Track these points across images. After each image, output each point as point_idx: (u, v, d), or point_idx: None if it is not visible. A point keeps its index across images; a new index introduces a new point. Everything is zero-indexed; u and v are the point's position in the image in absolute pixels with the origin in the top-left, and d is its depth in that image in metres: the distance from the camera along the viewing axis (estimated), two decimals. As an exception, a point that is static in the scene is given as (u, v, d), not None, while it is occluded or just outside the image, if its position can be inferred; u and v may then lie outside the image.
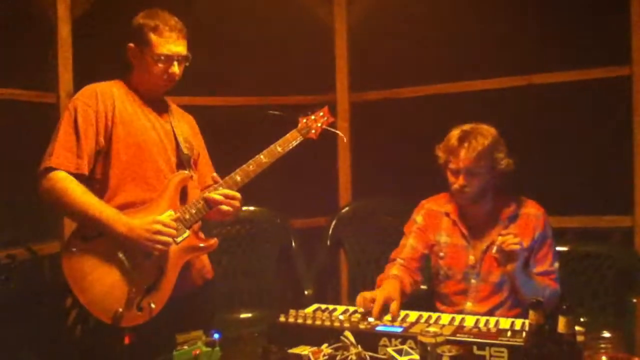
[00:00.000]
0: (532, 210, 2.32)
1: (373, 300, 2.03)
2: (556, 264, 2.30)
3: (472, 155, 2.21)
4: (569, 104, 3.15)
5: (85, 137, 1.99)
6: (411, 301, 2.25)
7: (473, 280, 2.32)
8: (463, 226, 2.35)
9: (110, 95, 2.06)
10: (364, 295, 2.08)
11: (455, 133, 2.29)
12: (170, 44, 2.05)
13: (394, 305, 2.03)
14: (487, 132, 2.26)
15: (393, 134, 3.55)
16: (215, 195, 2.07)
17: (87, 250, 1.96)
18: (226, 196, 2.08)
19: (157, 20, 2.05)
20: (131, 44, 2.09)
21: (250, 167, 2.15)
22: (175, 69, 2.08)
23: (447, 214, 2.40)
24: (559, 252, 2.63)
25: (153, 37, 2.04)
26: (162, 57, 2.05)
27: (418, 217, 2.48)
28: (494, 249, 2.18)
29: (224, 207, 2.09)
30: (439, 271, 2.40)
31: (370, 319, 1.93)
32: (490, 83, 3.27)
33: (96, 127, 2.01)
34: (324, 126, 2.30)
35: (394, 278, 2.29)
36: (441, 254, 2.39)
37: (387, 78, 3.57)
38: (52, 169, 1.95)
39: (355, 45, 3.59)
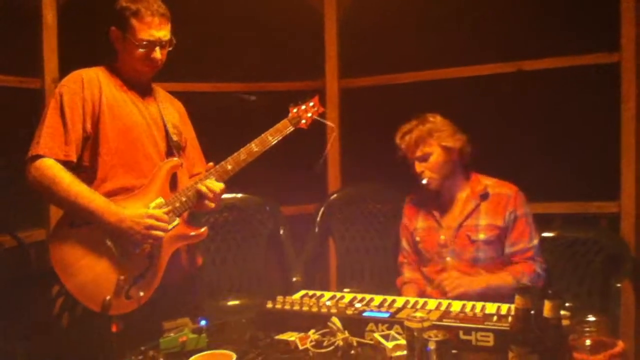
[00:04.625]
0: (503, 189, 2.41)
1: None
2: (535, 241, 2.36)
3: (409, 143, 2.42)
4: (559, 91, 3.15)
5: (72, 124, 1.97)
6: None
7: (448, 258, 2.40)
8: (434, 208, 2.47)
9: (97, 81, 2.04)
10: None
11: (405, 125, 2.49)
12: (152, 28, 2.02)
13: None
14: (426, 120, 2.44)
15: (383, 121, 3.53)
16: (210, 188, 2.06)
17: (75, 237, 1.94)
18: (217, 192, 2.07)
19: (139, 4, 2.01)
20: (113, 28, 2.06)
21: (242, 155, 2.14)
22: (158, 54, 2.05)
23: (425, 200, 2.52)
24: (547, 237, 2.67)
25: (134, 21, 2.01)
26: (144, 42, 2.02)
27: (404, 215, 2.61)
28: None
29: (210, 203, 2.08)
30: (421, 256, 2.50)
31: (358, 305, 1.94)
32: (480, 69, 3.26)
33: (83, 113, 1.99)
34: (314, 116, 2.30)
35: (409, 282, 2.49)
36: (418, 239, 2.50)
37: (377, 65, 3.55)
38: (39, 157, 1.93)
39: (345, 31, 3.56)
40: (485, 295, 2.20)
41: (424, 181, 2.42)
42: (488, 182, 2.45)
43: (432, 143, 2.40)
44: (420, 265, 2.51)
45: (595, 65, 3.02)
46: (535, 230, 2.39)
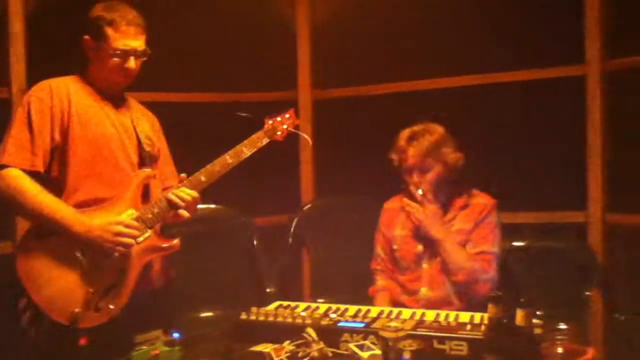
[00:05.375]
0: (481, 200, 2.44)
1: None
2: (496, 249, 2.38)
3: (419, 152, 2.36)
4: (526, 103, 3.21)
5: (39, 133, 1.93)
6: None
7: (425, 265, 2.41)
8: (407, 197, 2.46)
9: (66, 90, 2.01)
10: None
11: (404, 133, 2.43)
12: (127, 38, 2.00)
13: None
14: (433, 130, 2.40)
15: (356, 131, 3.56)
16: (180, 197, 2.03)
17: (42, 248, 1.90)
18: (189, 200, 2.05)
19: (115, 14, 1.99)
20: (86, 37, 2.03)
21: (216, 167, 2.12)
22: (132, 63, 2.03)
23: (402, 208, 2.50)
24: (517, 246, 2.72)
25: (109, 30, 1.99)
26: (118, 52, 2.00)
27: (380, 223, 2.60)
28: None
29: (184, 212, 2.06)
30: (398, 264, 2.49)
31: (333, 315, 1.94)
32: (450, 81, 3.31)
33: (51, 122, 1.96)
34: (290, 128, 2.30)
35: (382, 290, 2.49)
36: (395, 247, 2.50)
37: (351, 75, 3.57)
38: (4, 167, 1.89)
39: (318, 42, 3.58)
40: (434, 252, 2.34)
41: (420, 192, 2.39)
42: (467, 194, 2.45)
43: (437, 157, 2.38)
44: (395, 273, 2.51)
45: (561, 78, 3.09)
46: (500, 241, 2.41)
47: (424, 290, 2.38)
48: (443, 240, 2.34)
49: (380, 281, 2.54)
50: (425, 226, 2.36)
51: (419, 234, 2.42)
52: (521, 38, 3.15)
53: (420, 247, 2.42)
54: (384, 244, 2.56)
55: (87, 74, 2.09)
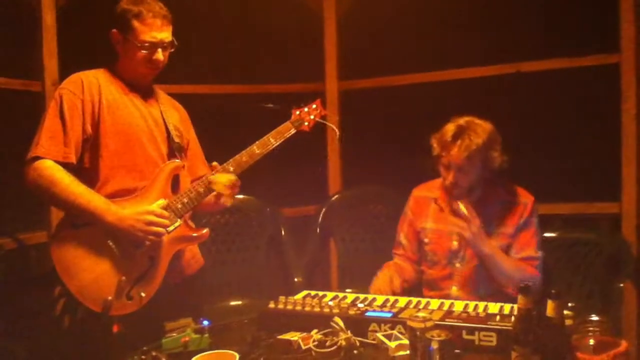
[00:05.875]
0: (521, 198, 2.33)
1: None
2: (540, 252, 2.31)
3: (463, 154, 2.21)
4: (558, 92, 3.16)
5: (71, 126, 1.97)
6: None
7: (458, 265, 2.34)
8: (450, 212, 2.36)
9: (96, 83, 2.04)
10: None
11: (450, 128, 2.26)
12: (154, 30, 2.02)
13: (395, 282, 2.21)
14: (481, 130, 2.24)
15: (382, 122, 3.54)
16: (220, 181, 2.06)
17: (76, 237, 1.94)
18: (229, 185, 2.07)
19: (141, 6, 2.01)
20: (114, 30, 2.06)
21: (244, 157, 2.14)
22: (160, 55, 2.05)
23: (435, 200, 2.43)
24: (548, 237, 2.67)
25: (136, 23, 2.01)
26: (146, 44, 2.02)
27: (408, 210, 2.52)
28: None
29: (225, 199, 2.08)
30: (426, 257, 2.43)
31: (360, 305, 1.94)
32: (479, 71, 3.26)
33: (83, 115, 1.99)
34: (317, 119, 2.30)
35: (387, 267, 2.39)
36: (426, 240, 2.42)
37: (377, 66, 3.55)
38: (38, 158, 1.92)
39: (344, 33, 3.57)
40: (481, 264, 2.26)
41: (462, 208, 2.25)
42: (504, 190, 2.36)
43: (483, 161, 2.24)
44: (423, 265, 2.45)
45: (595, 67, 3.03)
46: (541, 241, 2.33)
47: (454, 289, 2.32)
48: (493, 255, 2.23)
49: (398, 260, 2.46)
50: (476, 244, 2.23)
51: (453, 230, 2.33)
52: (554, 26, 3.09)
53: (455, 244, 2.34)
54: (409, 233, 2.49)
55: (116, 66, 2.12)
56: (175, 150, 2.14)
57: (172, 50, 2.10)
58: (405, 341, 1.64)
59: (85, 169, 2.01)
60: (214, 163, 2.14)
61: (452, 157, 2.23)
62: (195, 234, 2.11)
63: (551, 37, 3.11)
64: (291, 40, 3.56)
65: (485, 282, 2.29)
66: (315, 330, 1.78)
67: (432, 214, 2.43)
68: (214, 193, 2.10)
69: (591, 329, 1.61)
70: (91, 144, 2.02)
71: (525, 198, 2.34)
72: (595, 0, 3.03)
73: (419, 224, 2.46)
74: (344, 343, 1.70)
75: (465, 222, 2.24)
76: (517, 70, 3.17)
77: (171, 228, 2.01)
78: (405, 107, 3.44)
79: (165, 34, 2.05)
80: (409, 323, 1.59)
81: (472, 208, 2.25)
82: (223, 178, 2.06)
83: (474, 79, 3.28)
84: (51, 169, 1.92)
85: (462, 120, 2.28)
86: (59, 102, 1.99)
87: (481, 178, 2.30)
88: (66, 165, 1.95)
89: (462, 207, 2.25)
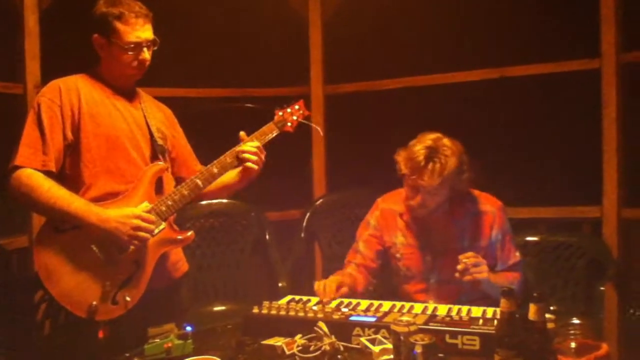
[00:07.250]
0: (487, 207, 2.29)
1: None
2: (517, 253, 2.31)
3: (436, 180, 2.12)
4: (541, 96, 3.19)
5: (50, 133, 1.95)
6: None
7: (432, 280, 2.31)
8: (417, 227, 2.33)
9: (75, 89, 2.02)
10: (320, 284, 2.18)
11: (419, 150, 2.14)
12: (137, 30, 2.01)
13: (343, 290, 2.16)
14: (450, 152, 2.14)
15: (367, 126, 3.56)
16: (248, 147, 2.09)
17: (59, 242, 1.92)
18: (255, 151, 2.10)
19: (121, 7, 2.00)
20: (96, 35, 2.04)
21: (227, 159, 2.13)
22: (145, 54, 2.04)
23: (401, 215, 2.37)
24: (531, 241, 2.69)
25: (119, 25, 1.99)
26: (131, 45, 2.01)
27: (372, 220, 2.44)
28: (457, 274, 2.10)
29: (252, 165, 2.10)
30: (399, 272, 2.38)
31: (344, 309, 1.94)
32: (464, 75, 3.29)
33: (62, 121, 1.98)
34: (300, 119, 2.30)
35: (341, 274, 2.33)
36: (398, 255, 2.37)
37: (362, 71, 3.56)
38: (18, 168, 1.92)
39: (329, 37, 3.58)
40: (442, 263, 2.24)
41: (419, 206, 2.21)
42: (470, 201, 2.30)
43: (452, 184, 2.17)
44: (395, 280, 2.40)
45: (577, 72, 3.06)
46: (514, 243, 2.33)
47: (431, 303, 2.22)
48: (488, 280, 2.12)
49: (349, 269, 2.38)
50: (488, 280, 2.12)
51: (426, 245, 2.30)
52: (535, 32, 3.13)
53: (428, 258, 2.30)
54: (372, 244, 2.40)
55: (98, 69, 2.10)
56: (158, 152, 2.13)
57: (155, 48, 2.09)
58: (389, 345, 1.65)
59: (69, 175, 2.00)
60: (241, 132, 2.15)
61: (424, 182, 2.13)
62: (180, 237, 2.09)
63: (535, 42, 3.15)
64: (277, 44, 3.57)
65: (466, 293, 2.24)
66: (299, 335, 1.78)
67: (400, 228, 2.37)
68: (239, 168, 2.15)
69: (573, 332, 1.63)
70: (73, 149, 2.00)
71: (492, 206, 2.29)
72: (577, 6, 3.06)
73: (388, 238, 2.39)
74: (328, 348, 1.70)
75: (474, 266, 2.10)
76: (501, 75, 3.20)
77: (156, 231, 2.00)
78: (390, 111, 3.46)
79: (147, 33, 2.04)
80: (393, 327, 1.59)
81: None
82: (247, 147, 2.11)
83: (458, 84, 3.30)
84: (30, 177, 1.91)
85: (429, 140, 2.16)
86: (37, 110, 1.97)
87: (448, 198, 2.24)
88: (47, 174, 1.94)
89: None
